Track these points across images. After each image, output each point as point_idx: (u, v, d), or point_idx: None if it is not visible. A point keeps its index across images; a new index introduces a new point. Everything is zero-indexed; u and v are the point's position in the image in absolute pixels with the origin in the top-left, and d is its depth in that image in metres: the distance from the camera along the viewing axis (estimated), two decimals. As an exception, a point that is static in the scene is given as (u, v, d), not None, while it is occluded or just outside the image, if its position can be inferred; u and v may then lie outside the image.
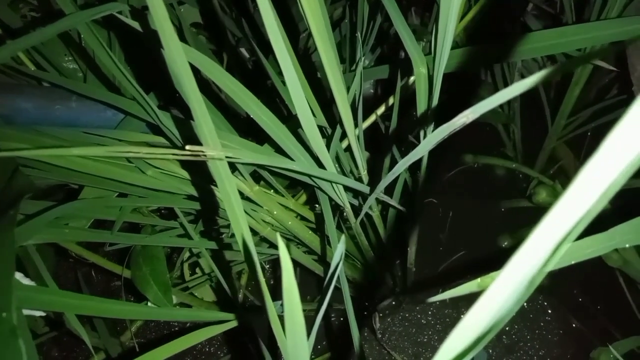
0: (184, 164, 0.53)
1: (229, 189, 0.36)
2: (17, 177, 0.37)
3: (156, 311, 0.49)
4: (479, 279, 0.34)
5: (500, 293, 0.17)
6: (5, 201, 0.33)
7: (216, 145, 0.36)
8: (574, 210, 0.14)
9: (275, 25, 0.32)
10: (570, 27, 0.52)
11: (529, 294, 0.22)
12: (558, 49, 0.53)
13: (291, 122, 0.51)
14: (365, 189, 0.52)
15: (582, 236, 0.32)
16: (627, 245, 0.34)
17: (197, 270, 0.79)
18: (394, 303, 0.87)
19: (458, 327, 0.18)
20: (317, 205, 0.72)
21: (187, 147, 0.34)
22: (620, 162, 0.13)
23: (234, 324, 0.53)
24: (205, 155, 0.36)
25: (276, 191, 0.64)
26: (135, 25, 0.36)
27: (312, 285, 0.88)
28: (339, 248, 0.29)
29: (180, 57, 0.32)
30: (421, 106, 0.48)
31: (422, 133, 0.51)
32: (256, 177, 0.60)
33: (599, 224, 0.34)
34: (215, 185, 0.55)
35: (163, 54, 0.33)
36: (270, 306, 0.28)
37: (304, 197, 0.72)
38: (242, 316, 0.53)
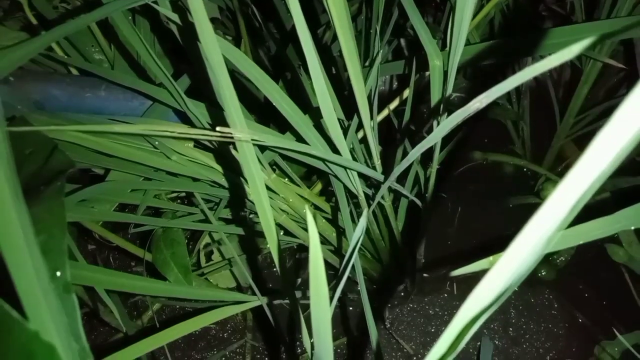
0: (208, 151, 0.56)
1: (253, 171, 0.39)
2: (56, 155, 0.39)
3: (179, 289, 0.51)
4: (490, 257, 0.36)
5: (515, 256, 0.19)
6: (49, 176, 0.35)
7: (244, 128, 0.38)
8: (576, 186, 0.17)
9: (304, 23, 0.35)
10: (580, 25, 0.53)
11: (539, 259, 0.24)
12: (568, 47, 0.54)
13: (311, 112, 0.53)
14: (379, 176, 0.55)
15: (589, 220, 0.34)
16: (632, 228, 0.36)
17: (213, 257, 0.81)
18: (402, 294, 0.89)
19: (476, 289, 0.20)
20: (332, 198, 0.74)
21: (218, 128, 0.36)
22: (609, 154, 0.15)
23: (251, 305, 0.55)
24: (232, 137, 0.38)
25: (291, 180, 0.66)
26: (174, 16, 0.38)
27: (326, 276, 0.90)
28: (361, 222, 0.31)
29: (214, 48, 0.34)
30: (435, 97, 0.50)
31: (435, 123, 0.53)
32: (272, 168, 0.63)
33: (603, 211, 0.36)
34: (236, 172, 0.57)
35: (198, 45, 0.35)
36: (289, 285, 0.30)
37: (318, 188, 0.74)
38: (260, 299, 0.55)
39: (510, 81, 0.27)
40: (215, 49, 0.34)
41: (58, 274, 0.27)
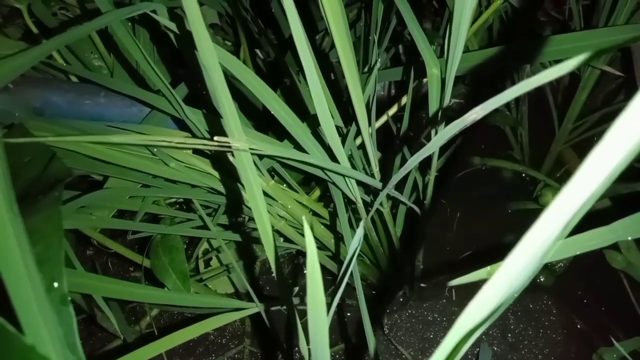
0: (207, 157, 0.56)
1: (251, 178, 0.39)
2: (54, 164, 0.39)
3: (178, 296, 0.51)
4: (488, 267, 0.36)
5: (514, 265, 0.19)
6: (47, 184, 0.35)
7: (241, 137, 0.38)
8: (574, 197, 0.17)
9: (301, 31, 0.35)
10: (578, 33, 0.54)
11: (539, 268, 0.24)
12: (566, 54, 0.54)
13: (309, 120, 0.53)
14: (377, 184, 0.55)
15: (586, 230, 0.34)
16: (629, 238, 0.36)
17: (211, 263, 0.81)
18: (401, 299, 0.89)
19: (473, 301, 0.20)
20: (330, 204, 0.75)
21: (215, 137, 0.37)
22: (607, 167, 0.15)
23: (249, 312, 0.55)
24: (230, 146, 0.38)
25: (289, 186, 0.66)
26: (172, 25, 0.38)
27: (324, 282, 0.90)
28: (358, 232, 0.31)
29: (212, 56, 0.34)
30: (433, 106, 0.50)
31: (433, 132, 0.53)
32: (270, 174, 0.63)
33: (602, 220, 0.36)
34: (235, 179, 0.57)
35: (195, 53, 0.35)
36: (287, 290, 0.30)
37: (316, 194, 0.74)
38: (258, 305, 0.55)
39: (506, 94, 0.27)
40: (212, 58, 0.34)
41: (55, 284, 0.27)
